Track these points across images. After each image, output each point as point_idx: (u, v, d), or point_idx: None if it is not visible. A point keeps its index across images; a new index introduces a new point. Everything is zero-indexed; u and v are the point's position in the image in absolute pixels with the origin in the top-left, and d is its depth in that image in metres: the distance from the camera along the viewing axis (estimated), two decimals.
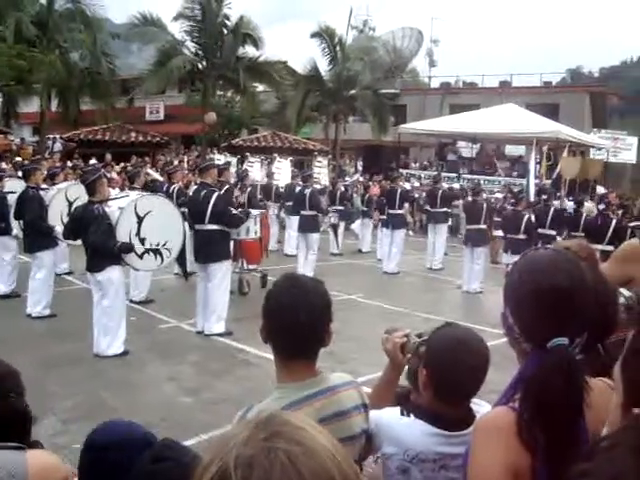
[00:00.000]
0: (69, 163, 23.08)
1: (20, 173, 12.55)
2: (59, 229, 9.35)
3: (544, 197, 17.01)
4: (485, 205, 13.75)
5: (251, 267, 11.57)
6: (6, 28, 25.20)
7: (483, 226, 13.29)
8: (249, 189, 14.94)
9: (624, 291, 2.40)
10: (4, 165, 19.72)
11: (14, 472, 1.39)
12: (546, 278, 1.63)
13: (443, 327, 2.29)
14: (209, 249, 8.70)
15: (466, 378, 2.13)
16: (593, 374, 1.68)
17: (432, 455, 2.12)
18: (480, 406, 2.23)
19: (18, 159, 21.93)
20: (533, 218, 13.63)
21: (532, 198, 17.11)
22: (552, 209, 14.36)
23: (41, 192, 10.13)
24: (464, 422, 2.12)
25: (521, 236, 12.72)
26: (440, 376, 2.14)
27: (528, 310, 1.65)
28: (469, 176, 25.09)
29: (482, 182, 21.60)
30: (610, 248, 12.39)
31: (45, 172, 12.59)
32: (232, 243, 9.81)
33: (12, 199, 10.36)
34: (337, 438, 1.94)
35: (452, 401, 2.17)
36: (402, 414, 2.24)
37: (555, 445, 1.46)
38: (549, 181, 22.96)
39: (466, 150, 29.55)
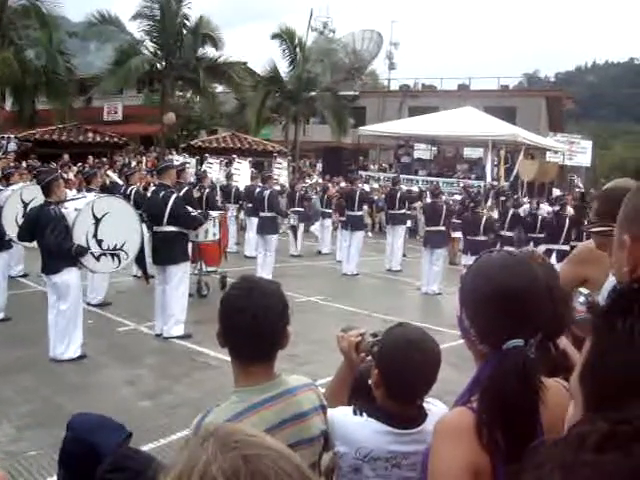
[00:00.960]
0: (24, 164, 22.66)
1: None
2: (11, 234, 9.18)
3: (502, 199, 17.29)
4: (444, 207, 13.88)
5: (210, 269, 11.50)
6: None
7: (442, 228, 13.41)
8: (207, 190, 14.86)
9: (583, 290, 2.45)
10: None
11: None
12: (499, 280, 1.66)
13: (395, 327, 2.32)
14: (167, 251, 8.62)
15: (416, 377, 2.15)
16: (547, 373, 1.71)
17: (384, 453, 2.15)
18: (433, 405, 2.26)
19: None
20: (494, 214, 13.87)
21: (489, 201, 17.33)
22: (511, 211, 14.58)
23: None
24: (415, 421, 2.16)
25: (481, 237, 12.88)
26: (391, 375, 2.17)
27: (482, 313, 1.67)
28: (428, 178, 25.31)
29: (441, 184, 21.80)
30: (566, 247, 12.68)
31: None
32: (191, 245, 9.74)
33: None
34: (297, 440, 1.98)
35: (403, 400, 2.19)
36: (355, 413, 2.25)
37: (513, 445, 1.49)
38: (507, 183, 23.32)
39: (425, 152, 29.81)
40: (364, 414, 2.23)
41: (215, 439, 0.90)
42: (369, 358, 2.35)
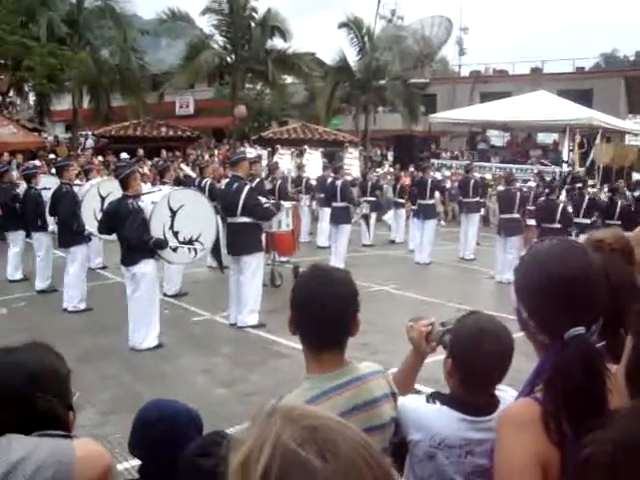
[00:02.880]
0: (99, 158, 23.33)
1: (53, 170, 12.77)
2: (90, 228, 9.50)
3: (578, 185, 16.82)
4: (518, 194, 13.63)
5: (283, 259, 11.62)
6: (38, 27, 25.58)
7: (516, 215, 13.18)
8: (279, 181, 14.98)
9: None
10: (38, 162, 20.02)
11: (63, 459, 1.44)
12: (552, 269, 1.63)
13: (467, 316, 2.31)
14: (241, 242, 8.74)
15: (490, 366, 2.14)
16: (614, 360, 1.67)
17: (458, 441, 2.14)
18: (505, 392, 2.24)
19: (52, 156, 22.27)
20: (570, 207, 13.48)
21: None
22: (586, 197, 14.18)
23: (74, 188, 10.29)
24: (489, 408, 2.15)
25: (556, 225, 12.55)
26: (464, 364, 2.16)
27: (540, 303, 1.65)
28: (501, 165, 24.85)
29: (514, 171, 21.36)
30: None
31: (79, 168, 12.79)
32: (264, 235, 9.84)
33: (47, 196, 10.55)
34: (368, 426, 1.99)
35: (477, 388, 2.18)
36: (428, 401, 2.26)
37: (582, 436, 1.46)
38: (582, 169, 22.67)
39: (497, 139, 29.26)
40: (437, 402, 2.24)
41: (280, 414, 0.92)
42: (440, 347, 2.35)
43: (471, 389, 2.18)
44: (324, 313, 2.01)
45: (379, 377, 2.18)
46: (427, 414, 2.21)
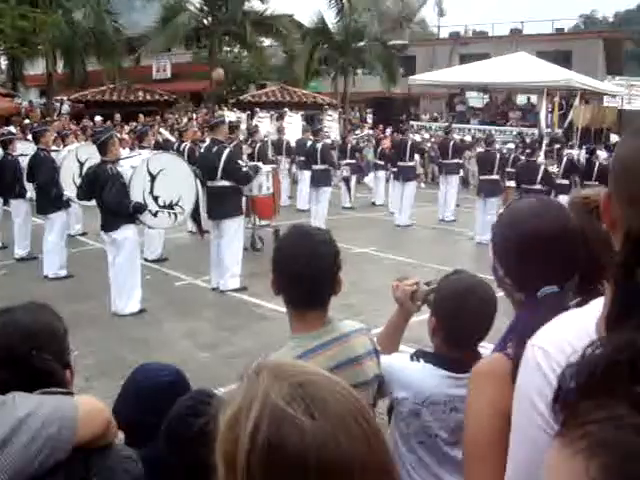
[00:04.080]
0: (75, 124, 23.02)
1: (30, 136, 12.59)
2: (69, 194, 9.43)
3: (557, 146, 16.90)
4: (498, 155, 13.67)
5: (264, 223, 11.61)
6: None
7: (496, 177, 13.25)
8: (259, 144, 14.90)
9: None
10: (13, 128, 19.72)
11: (66, 414, 1.48)
12: (527, 227, 1.65)
13: (451, 275, 2.34)
14: (221, 206, 8.73)
15: (474, 323, 2.18)
16: None
17: (442, 397, 2.18)
18: (487, 349, 2.28)
19: (27, 122, 21.92)
20: (554, 168, 13.54)
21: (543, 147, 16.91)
22: (565, 159, 14.25)
23: (52, 154, 10.17)
24: (472, 365, 2.17)
25: (536, 186, 12.61)
26: (448, 322, 2.20)
27: (515, 260, 1.67)
28: (480, 127, 24.85)
29: (493, 132, 21.38)
30: None
31: (55, 134, 12.62)
32: (244, 199, 9.82)
33: (24, 162, 10.42)
34: (352, 384, 2.01)
35: (460, 345, 2.22)
36: (412, 359, 2.29)
37: None
38: (560, 130, 22.74)
39: (476, 100, 29.20)
40: (421, 360, 2.27)
41: (268, 371, 0.93)
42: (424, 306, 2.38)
43: (454, 346, 2.22)
44: (306, 272, 2.02)
45: (361, 335, 2.21)
46: (411, 372, 2.25)
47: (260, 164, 11.06)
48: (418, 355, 2.30)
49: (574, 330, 1.24)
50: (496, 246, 1.74)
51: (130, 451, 1.68)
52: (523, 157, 14.70)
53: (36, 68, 29.88)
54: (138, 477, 1.62)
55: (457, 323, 2.16)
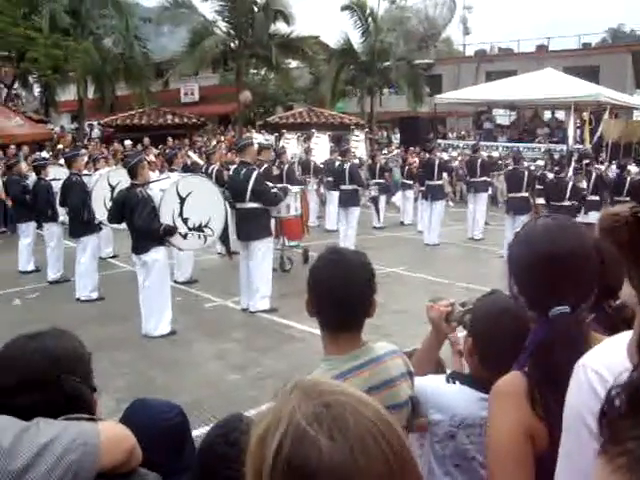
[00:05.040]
0: (106, 148, 23.34)
1: (62, 160, 12.80)
2: (100, 217, 9.55)
3: (586, 162, 16.74)
4: (526, 173, 13.59)
5: (292, 244, 11.63)
6: (41, 19, 25.50)
7: (525, 194, 13.16)
8: (287, 166, 14.97)
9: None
10: (45, 154, 20.07)
11: (89, 441, 1.47)
12: (540, 247, 1.65)
13: (487, 295, 2.32)
14: (250, 227, 8.76)
15: (510, 345, 2.14)
16: (606, 331, 1.68)
17: (478, 420, 2.16)
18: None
19: (60, 147, 22.30)
20: (584, 184, 13.42)
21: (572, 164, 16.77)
22: (594, 174, 14.13)
23: (84, 178, 10.31)
24: None
25: (566, 203, 12.51)
26: (484, 343, 2.17)
27: (528, 280, 1.68)
28: (508, 144, 24.74)
29: (521, 149, 21.26)
30: None
31: (86, 158, 12.82)
32: (273, 220, 9.85)
33: (56, 186, 10.59)
34: (386, 406, 1.99)
35: (496, 367, 2.18)
36: (447, 381, 2.27)
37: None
38: (590, 146, 22.54)
39: (503, 118, 29.11)
40: (457, 382, 2.25)
41: (299, 390, 0.95)
42: (459, 327, 2.36)
43: (490, 368, 2.18)
44: (341, 295, 2.02)
45: (395, 357, 2.19)
46: (447, 394, 2.22)
47: (289, 185, 11.11)
48: (454, 377, 2.28)
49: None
50: (511, 264, 1.75)
51: (153, 475, 1.66)
52: (551, 174, 14.58)
53: (67, 94, 30.46)
54: None
55: (493, 344, 2.13)
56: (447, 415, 2.20)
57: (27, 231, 11.82)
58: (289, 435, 0.89)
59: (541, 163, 20.64)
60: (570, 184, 12.88)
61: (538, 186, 14.66)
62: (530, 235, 1.72)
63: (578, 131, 23.67)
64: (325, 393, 0.93)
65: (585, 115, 23.17)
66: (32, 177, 11.76)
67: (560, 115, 27.12)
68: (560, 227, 1.69)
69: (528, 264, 1.66)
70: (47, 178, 11.19)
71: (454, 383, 2.25)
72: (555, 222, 1.72)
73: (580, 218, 11.85)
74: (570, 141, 22.97)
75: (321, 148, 18.86)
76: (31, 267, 11.77)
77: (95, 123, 29.92)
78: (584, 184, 13.79)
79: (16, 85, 29.59)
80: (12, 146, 19.72)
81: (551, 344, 1.59)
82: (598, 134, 22.97)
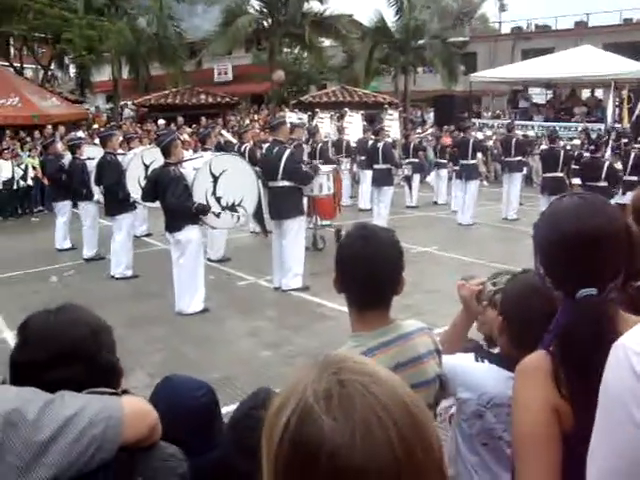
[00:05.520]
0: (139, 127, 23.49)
1: (97, 140, 12.94)
2: (135, 195, 9.64)
3: (624, 141, 16.42)
4: (562, 152, 13.39)
5: (325, 223, 11.63)
6: (76, 0, 25.66)
7: (560, 174, 12.97)
8: (320, 145, 14.93)
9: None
10: (80, 133, 20.28)
11: (113, 414, 1.49)
12: (566, 227, 1.59)
13: (519, 274, 2.29)
14: (282, 206, 8.79)
15: (540, 324, 2.12)
16: (634, 311, 1.65)
17: (506, 399, 2.14)
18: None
19: (95, 127, 22.52)
20: (619, 165, 13.17)
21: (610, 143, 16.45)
22: (632, 154, 13.84)
23: (118, 157, 10.41)
24: None
25: (602, 183, 12.29)
26: (515, 322, 2.14)
27: (555, 260, 1.63)
28: (544, 123, 24.35)
29: (557, 129, 20.92)
30: None
31: (121, 138, 12.93)
32: (306, 199, 9.85)
33: (91, 165, 10.71)
34: (413, 383, 2.01)
35: (526, 346, 2.17)
36: (476, 360, 2.26)
37: (589, 392, 1.46)
38: (629, 125, 22.08)
39: (539, 97, 28.64)
40: (486, 360, 2.24)
41: (321, 364, 0.94)
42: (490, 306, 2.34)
43: (520, 347, 2.17)
44: (369, 271, 2.01)
45: (423, 334, 2.18)
46: (475, 373, 2.21)
47: (320, 164, 11.09)
48: (483, 356, 2.27)
49: None
50: (537, 244, 1.71)
51: (174, 449, 1.66)
52: (588, 153, 14.35)
53: (102, 75, 30.68)
54: (183, 475, 1.62)
55: (523, 324, 2.11)
56: (475, 394, 2.19)
57: (63, 210, 12.01)
58: (297, 412, 0.88)
59: (577, 142, 20.31)
60: (607, 164, 12.65)
61: (574, 166, 14.44)
62: (556, 213, 1.67)
63: (617, 110, 23.19)
64: (344, 370, 0.91)
65: (624, 93, 22.67)
66: (68, 156, 11.90)
67: (599, 93, 26.58)
68: (588, 205, 1.63)
69: (554, 244, 1.62)
70: (82, 157, 11.34)
71: (483, 362, 2.24)
72: (583, 200, 1.66)
73: (617, 199, 11.62)
74: (609, 120, 22.53)
75: (354, 127, 18.75)
76: (67, 245, 11.98)
77: (128, 103, 30.10)
78: (619, 165, 13.54)
79: (52, 66, 29.85)
80: (49, 126, 19.97)
81: (577, 326, 1.56)
82: (637, 112, 22.49)
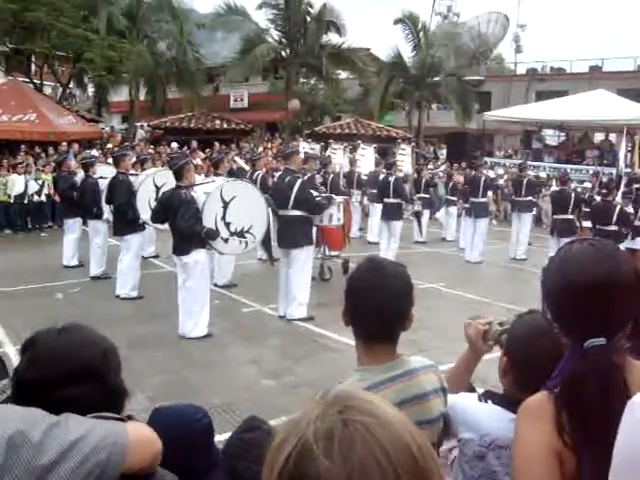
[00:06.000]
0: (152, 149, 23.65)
1: (110, 159, 13.03)
2: (144, 216, 9.67)
3: (636, 186, 16.41)
4: (573, 194, 13.39)
5: (333, 253, 11.62)
6: (99, 21, 26.08)
7: (571, 216, 12.96)
8: (332, 176, 14.99)
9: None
10: (94, 152, 20.44)
11: (117, 440, 1.47)
12: (578, 274, 1.56)
13: (525, 314, 2.27)
14: (292, 234, 8.78)
15: (547, 367, 2.10)
16: (638, 359, 1.63)
17: (510, 442, 2.11)
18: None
19: (109, 146, 22.69)
20: (630, 209, 13.15)
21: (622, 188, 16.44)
22: None
23: (130, 178, 10.47)
24: None
25: (612, 227, 12.27)
26: (521, 364, 2.12)
27: (562, 307, 1.61)
28: (555, 165, 24.41)
29: (569, 171, 20.95)
30: None
31: (134, 159, 13.02)
32: (315, 229, 9.86)
33: (103, 184, 10.77)
34: (416, 421, 1.98)
35: (531, 388, 2.14)
36: (480, 400, 2.23)
37: (593, 443, 1.43)
38: None
39: (551, 138, 28.72)
40: (489, 401, 2.21)
41: (327, 401, 0.92)
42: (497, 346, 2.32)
43: (525, 389, 2.14)
44: (378, 305, 2.01)
45: (430, 371, 2.17)
46: (478, 413, 2.18)
47: (333, 195, 11.12)
48: (486, 396, 2.24)
49: None
50: (545, 290, 1.68)
51: (172, 476, 1.66)
52: (598, 197, 14.34)
53: (119, 95, 31.04)
54: None
55: (530, 365, 2.08)
56: (477, 434, 2.15)
57: (73, 227, 12.06)
58: (296, 449, 0.87)
59: (589, 185, 20.31)
60: (618, 208, 12.63)
61: (585, 209, 14.43)
62: (565, 260, 1.64)
63: (629, 155, 23.23)
64: (350, 409, 0.90)
65: (637, 139, 22.72)
66: (80, 174, 11.98)
67: (613, 137, 26.64)
68: (597, 252, 1.60)
69: (562, 291, 1.59)
70: (94, 176, 11.40)
71: (486, 402, 2.21)
72: (592, 247, 1.63)
73: (626, 244, 11.59)
74: (621, 164, 22.56)
75: (366, 160, 18.84)
76: (75, 262, 12.01)
77: (144, 124, 30.36)
78: (631, 209, 13.52)
79: (71, 84, 30.21)
80: (64, 143, 20.14)
81: (584, 377, 1.53)
82: None
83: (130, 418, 1.63)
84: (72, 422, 1.47)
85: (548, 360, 2.07)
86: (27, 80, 26.25)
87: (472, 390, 2.49)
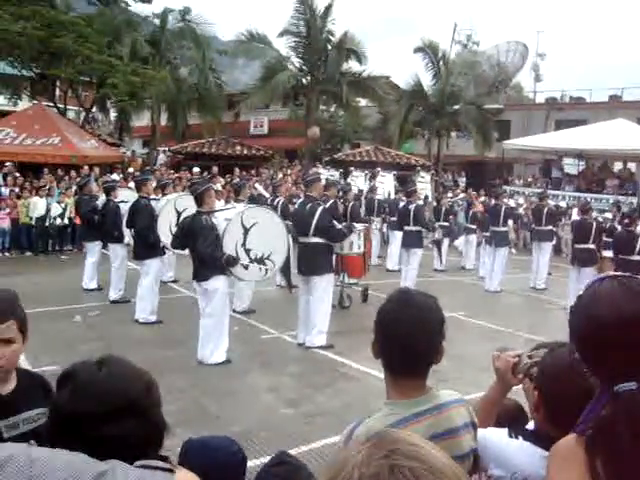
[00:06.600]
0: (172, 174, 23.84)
1: (131, 183, 13.13)
2: (165, 241, 9.70)
3: None
4: (594, 224, 13.30)
5: (352, 281, 11.58)
6: (123, 47, 26.51)
7: (592, 246, 12.85)
8: (352, 203, 15.00)
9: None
10: (115, 176, 20.63)
11: None
12: (606, 318, 1.52)
13: (557, 348, 2.23)
14: (312, 262, 8.76)
15: (580, 401, 2.05)
16: None
17: (541, 478, 2.06)
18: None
19: (131, 170, 22.90)
20: None
21: None
22: None
23: (152, 202, 10.53)
24: None
25: (635, 257, 12.13)
26: (553, 400, 2.08)
27: (591, 348, 1.56)
28: (575, 194, 24.31)
29: (589, 200, 20.85)
30: None
31: (154, 183, 13.11)
32: (335, 257, 9.84)
33: (124, 208, 10.84)
34: None
35: (564, 424, 2.10)
36: (510, 436, 2.18)
37: None
38: None
39: (571, 167, 28.63)
40: (520, 437, 2.16)
41: (372, 444, 0.90)
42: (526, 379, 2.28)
43: (557, 424, 2.10)
44: (410, 339, 1.98)
45: (460, 406, 2.13)
46: (509, 449, 2.13)
47: (354, 223, 11.10)
48: (517, 431, 2.19)
49: None
50: (572, 331, 1.64)
51: None
52: (620, 226, 14.22)
53: (141, 120, 31.41)
54: None
55: (562, 401, 2.04)
56: (508, 472, 2.10)
57: (93, 250, 12.12)
58: None
59: (609, 216, 20.17)
60: None
61: (606, 238, 14.30)
62: (594, 301, 1.58)
63: None
64: (396, 453, 0.88)
65: None
66: (102, 198, 12.07)
67: (632, 166, 26.51)
68: (627, 293, 1.55)
69: (592, 334, 1.54)
70: (116, 200, 11.49)
71: (517, 438, 2.17)
72: (621, 287, 1.58)
73: None
74: None
75: (385, 187, 18.87)
76: (94, 285, 12.05)
77: (166, 149, 30.64)
78: None
79: (94, 109, 30.62)
80: (85, 167, 20.34)
81: (615, 422, 1.48)
82: None
83: (165, 459, 1.55)
84: (120, 473, 1.38)
85: (580, 396, 2.02)
86: (51, 104, 26.63)
87: (522, 411, 2.43)
